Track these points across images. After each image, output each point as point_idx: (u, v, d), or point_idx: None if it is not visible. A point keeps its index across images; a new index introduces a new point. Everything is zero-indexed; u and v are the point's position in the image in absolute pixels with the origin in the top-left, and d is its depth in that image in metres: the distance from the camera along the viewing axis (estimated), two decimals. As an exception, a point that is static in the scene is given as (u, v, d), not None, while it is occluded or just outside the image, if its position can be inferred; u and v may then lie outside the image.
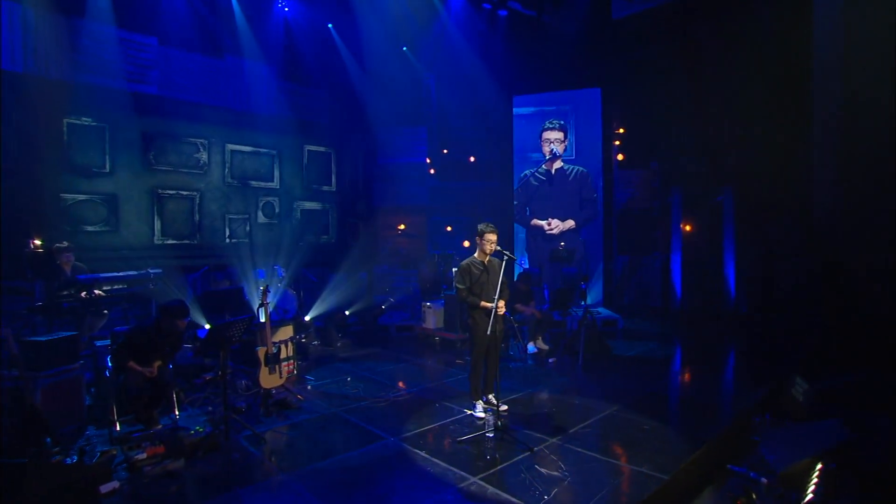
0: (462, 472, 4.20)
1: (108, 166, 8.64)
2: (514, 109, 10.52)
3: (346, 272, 9.92)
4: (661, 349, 8.46)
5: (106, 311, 6.71)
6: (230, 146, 10.05)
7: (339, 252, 10.89)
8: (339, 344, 8.22)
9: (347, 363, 7.47)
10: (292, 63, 10.60)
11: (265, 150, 10.58)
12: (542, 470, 4.24)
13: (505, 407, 5.42)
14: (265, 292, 5.79)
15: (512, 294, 7.04)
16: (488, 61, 10.80)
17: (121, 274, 6.76)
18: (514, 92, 10.50)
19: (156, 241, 9.18)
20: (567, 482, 4.05)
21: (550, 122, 10.16)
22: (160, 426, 4.96)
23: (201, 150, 9.67)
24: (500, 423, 4.87)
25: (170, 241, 9.34)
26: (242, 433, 4.94)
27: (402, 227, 11.41)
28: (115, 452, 4.38)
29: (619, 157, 10.31)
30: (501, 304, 5.03)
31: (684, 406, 5.77)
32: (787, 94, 8.15)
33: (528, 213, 10.61)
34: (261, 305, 5.74)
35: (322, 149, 11.48)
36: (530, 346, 7.64)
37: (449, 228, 11.07)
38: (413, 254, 10.91)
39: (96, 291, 6.31)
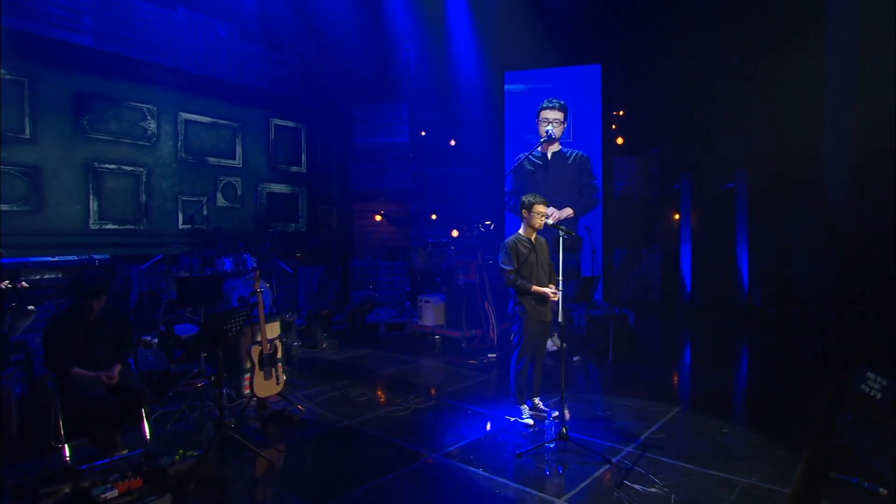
0: (542, 494, 3.41)
1: (28, 131, 7.05)
2: (506, 86, 9.69)
3: (319, 264, 8.73)
4: (686, 345, 8.04)
5: (32, 307, 5.25)
6: (184, 115, 8.57)
7: (311, 242, 9.64)
8: (324, 345, 7.09)
9: (340, 366, 6.41)
10: (259, 23, 9.23)
11: (225, 122, 9.14)
12: (636, 486, 3.49)
13: (556, 413, 4.63)
14: (258, 277, 4.68)
15: None
16: (477, 33, 9.95)
17: (55, 259, 5.37)
18: (506, 67, 9.67)
19: (91, 226, 7.62)
20: (673, 499, 3.31)
21: (550, 101, 9.34)
22: (125, 451, 3.74)
23: (148, 117, 8.14)
24: (564, 430, 4.05)
25: (109, 226, 7.79)
26: (241, 455, 3.82)
27: (381, 213, 10.26)
28: (67, 490, 3.16)
29: (619, 140, 9.74)
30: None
31: (750, 405, 5.23)
32: (799, 71, 7.90)
33: None
34: (252, 294, 4.62)
35: (291, 124, 10.14)
36: (549, 344, 6.84)
37: (434, 217, 10.07)
38: (400, 244, 9.81)
39: (22, 282, 4.89)
